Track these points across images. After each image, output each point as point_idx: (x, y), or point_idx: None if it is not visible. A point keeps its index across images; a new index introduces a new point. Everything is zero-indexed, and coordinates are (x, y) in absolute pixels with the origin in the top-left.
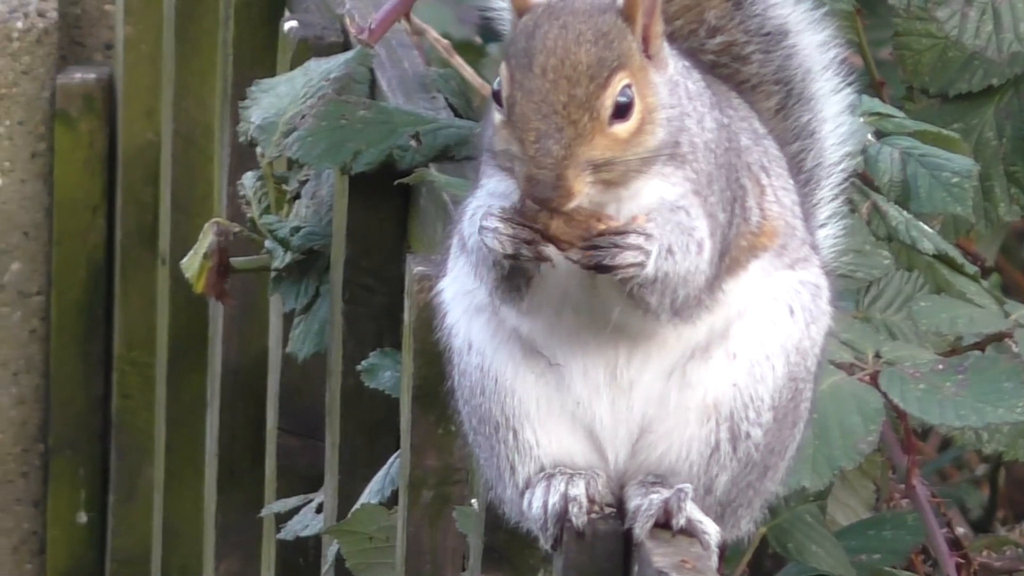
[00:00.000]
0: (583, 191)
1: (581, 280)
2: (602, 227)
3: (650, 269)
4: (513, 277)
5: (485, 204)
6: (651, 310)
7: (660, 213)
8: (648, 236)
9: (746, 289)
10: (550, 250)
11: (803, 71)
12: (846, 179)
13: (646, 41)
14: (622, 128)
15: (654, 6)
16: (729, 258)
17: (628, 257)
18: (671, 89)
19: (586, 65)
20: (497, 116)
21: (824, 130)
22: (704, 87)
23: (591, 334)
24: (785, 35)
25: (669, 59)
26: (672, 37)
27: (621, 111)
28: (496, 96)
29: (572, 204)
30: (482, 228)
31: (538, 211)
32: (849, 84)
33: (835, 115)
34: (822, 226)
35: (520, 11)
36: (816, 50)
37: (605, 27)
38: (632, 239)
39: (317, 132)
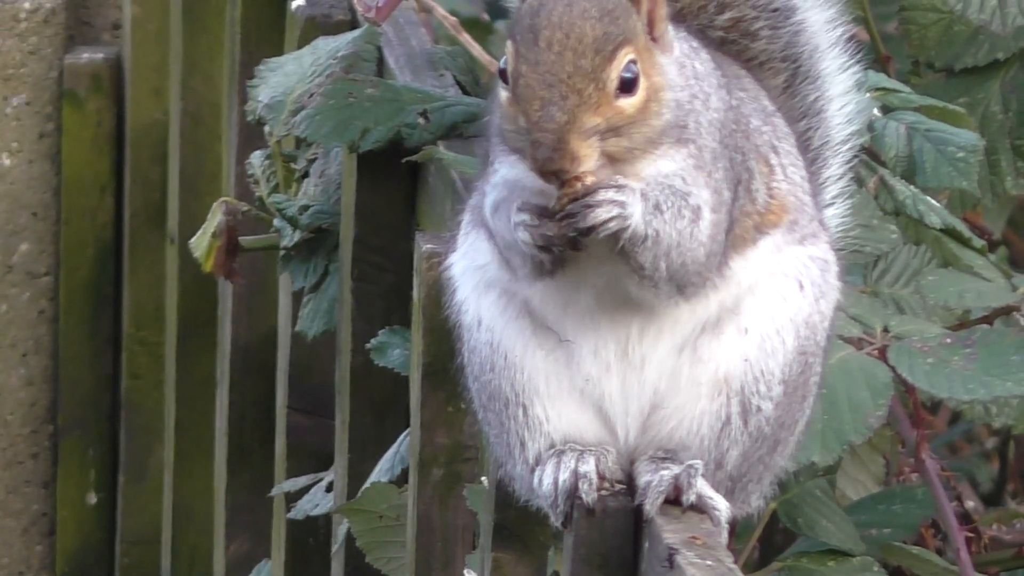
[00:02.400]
0: (589, 155)
1: (600, 255)
2: (577, 187)
3: (637, 222)
4: (544, 262)
5: (507, 195)
6: (646, 273)
7: (654, 179)
8: (620, 188)
9: (757, 265)
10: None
11: (811, 48)
12: (852, 158)
13: (651, 24)
14: (628, 103)
15: None
16: (733, 236)
17: (602, 214)
18: (679, 70)
19: (591, 39)
20: (503, 94)
21: (831, 109)
22: (712, 68)
23: (605, 312)
24: (793, 11)
25: (675, 42)
26: (682, 14)
27: (626, 86)
28: (502, 74)
29: (579, 169)
30: (516, 225)
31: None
32: (856, 63)
33: (842, 94)
34: (829, 205)
35: None
36: (824, 27)
37: (610, 5)
38: (602, 194)
39: (325, 110)
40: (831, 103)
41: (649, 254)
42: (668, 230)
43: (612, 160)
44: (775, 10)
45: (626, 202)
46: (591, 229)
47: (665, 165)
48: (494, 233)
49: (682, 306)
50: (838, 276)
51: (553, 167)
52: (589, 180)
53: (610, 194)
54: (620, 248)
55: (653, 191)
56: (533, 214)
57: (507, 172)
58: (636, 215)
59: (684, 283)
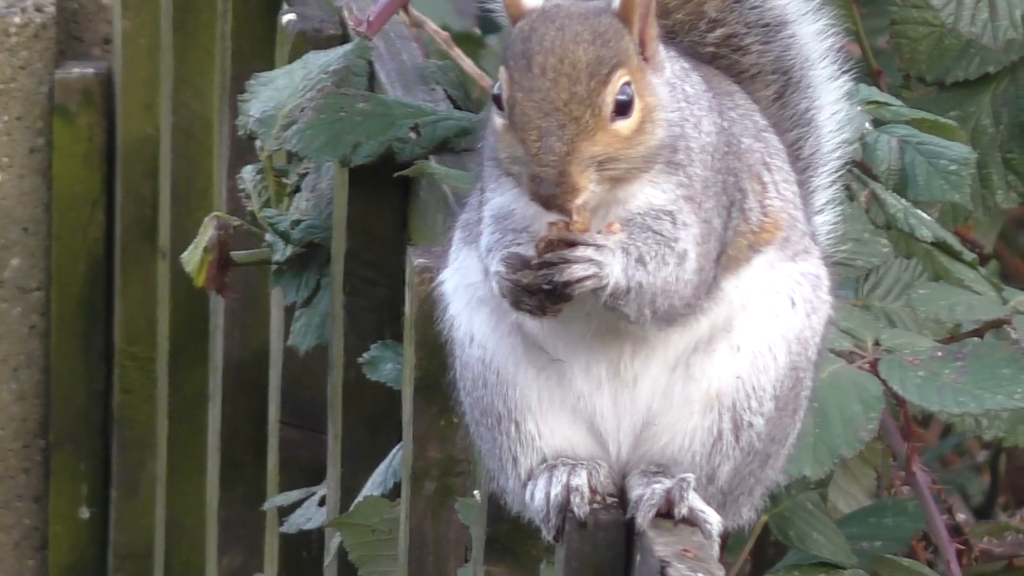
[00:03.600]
0: (588, 187)
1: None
2: (556, 234)
3: (617, 280)
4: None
5: (500, 238)
6: (632, 320)
7: (641, 220)
8: (599, 247)
9: (749, 284)
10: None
11: (801, 59)
12: (843, 166)
13: (642, 45)
14: (623, 125)
15: (648, 10)
16: (727, 257)
17: (577, 271)
18: (670, 91)
19: (585, 63)
20: (498, 120)
21: (821, 118)
22: (704, 89)
23: (597, 333)
24: (784, 25)
25: (666, 62)
26: (672, 30)
27: (622, 108)
28: (496, 100)
29: (578, 200)
30: (493, 275)
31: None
32: (846, 72)
33: (832, 103)
34: (819, 212)
35: (514, 17)
36: (814, 38)
37: (602, 28)
38: (580, 251)
39: (316, 125)
40: (821, 112)
41: (633, 304)
42: (651, 280)
43: (611, 182)
44: (765, 25)
45: (603, 262)
46: (566, 284)
47: (656, 196)
48: (487, 275)
49: (675, 330)
50: (829, 291)
51: (556, 201)
52: (577, 224)
53: (588, 252)
54: (604, 303)
55: (636, 243)
56: (511, 267)
57: (500, 201)
58: (615, 273)
59: (672, 318)
